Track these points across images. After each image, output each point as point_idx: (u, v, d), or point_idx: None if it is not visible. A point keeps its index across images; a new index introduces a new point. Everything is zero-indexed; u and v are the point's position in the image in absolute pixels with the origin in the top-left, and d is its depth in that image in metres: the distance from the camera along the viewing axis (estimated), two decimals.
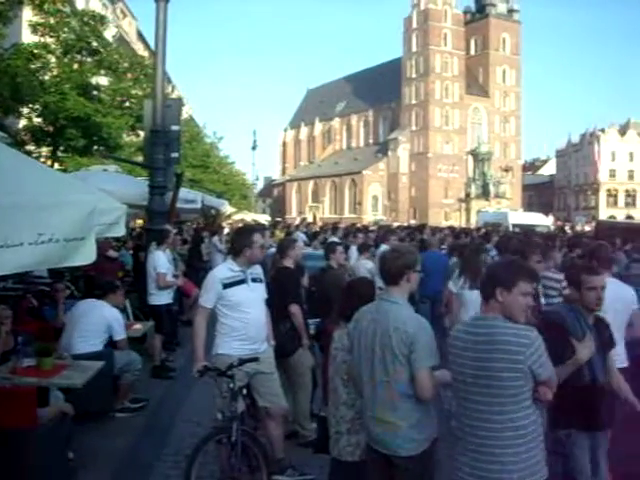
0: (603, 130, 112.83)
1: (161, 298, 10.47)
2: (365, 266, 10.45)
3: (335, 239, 14.89)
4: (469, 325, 3.81)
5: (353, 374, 4.59)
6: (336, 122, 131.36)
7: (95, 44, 22.73)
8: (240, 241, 6.18)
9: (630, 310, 6.33)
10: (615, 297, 5.99)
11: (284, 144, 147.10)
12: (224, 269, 6.16)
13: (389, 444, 4.21)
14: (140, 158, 21.50)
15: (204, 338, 5.98)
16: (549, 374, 3.63)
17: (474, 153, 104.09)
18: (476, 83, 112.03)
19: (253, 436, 5.68)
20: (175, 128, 12.58)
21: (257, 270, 6.27)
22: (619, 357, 6.08)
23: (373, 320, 4.30)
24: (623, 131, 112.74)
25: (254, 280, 6.16)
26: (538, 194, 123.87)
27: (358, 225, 29.51)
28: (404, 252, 4.51)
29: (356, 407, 4.72)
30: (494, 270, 3.91)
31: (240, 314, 6.00)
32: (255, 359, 5.77)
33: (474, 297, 6.58)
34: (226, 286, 5.96)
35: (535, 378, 3.56)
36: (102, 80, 25.40)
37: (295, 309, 7.36)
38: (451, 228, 25.84)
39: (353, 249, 13.27)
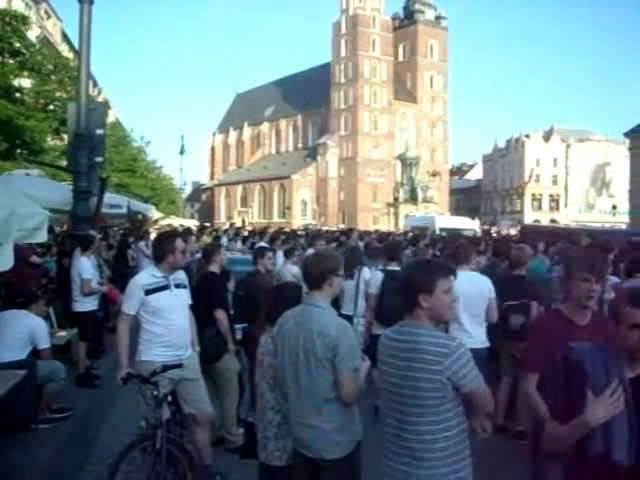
0: (528, 136, 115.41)
1: (85, 305, 10.28)
2: (290, 271, 10.44)
3: (263, 244, 14.85)
4: (395, 332, 3.73)
5: (278, 378, 4.59)
6: (265, 127, 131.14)
7: (17, 45, 22.18)
8: (162, 247, 6.12)
9: (487, 299, 7.28)
10: (472, 287, 7.04)
11: (212, 148, 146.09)
12: (146, 275, 6.09)
13: (315, 448, 4.22)
14: (64, 162, 21.16)
15: (128, 345, 5.91)
16: (473, 387, 3.49)
17: (402, 158, 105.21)
18: (404, 88, 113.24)
19: (178, 443, 5.63)
20: (100, 132, 12.39)
21: (181, 276, 6.21)
22: (478, 338, 7.22)
23: (297, 324, 4.30)
24: (547, 137, 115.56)
25: (177, 286, 6.10)
26: (465, 198, 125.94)
27: (286, 230, 29.50)
28: (327, 256, 4.53)
29: (283, 412, 4.70)
30: (411, 277, 3.75)
31: (163, 320, 5.94)
32: (179, 365, 5.72)
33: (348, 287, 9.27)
34: (148, 292, 5.89)
35: (457, 390, 3.47)
36: (25, 82, 24.83)
37: (221, 314, 7.32)
38: (378, 232, 26.08)
39: (279, 254, 13.26)
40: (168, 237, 6.48)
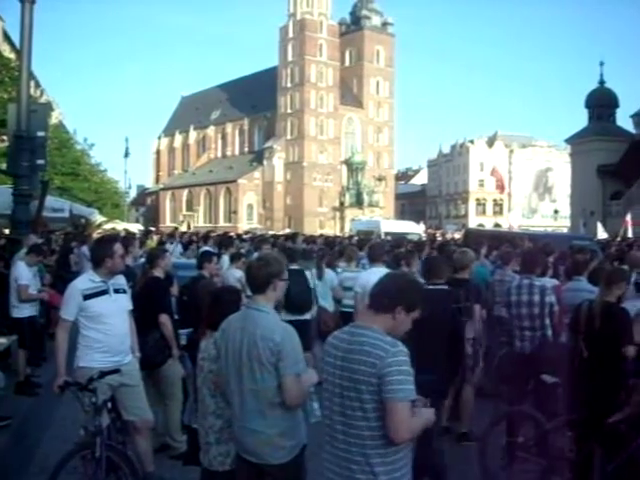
0: (472, 141, 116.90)
1: (23, 311, 10.07)
2: (234, 275, 10.39)
3: (208, 248, 14.76)
4: (345, 332, 3.71)
5: (221, 383, 4.55)
6: (211, 130, 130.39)
7: None
8: (100, 251, 6.03)
9: None
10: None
11: (158, 152, 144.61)
12: (85, 280, 5.99)
13: (259, 453, 4.20)
14: (4, 165, 20.74)
15: (66, 352, 5.81)
16: (396, 399, 3.34)
17: (348, 162, 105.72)
18: (350, 94, 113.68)
19: (119, 450, 5.55)
20: (41, 134, 12.20)
21: (120, 280, 6.14)
22: None
23: (240, 328, 4.28)
24: (491, 142, 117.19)
25: (117, 291, 6.02)
26: (411, 203, 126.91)
27: (232, 234, 29.36)
28: (270, 260, 4.51)
29: (224, 416, 4.68)
30: (405, 289, 3.70)
31: (102, 326, 5.85)
32: (116, 371, 5.65)
33: None
34: (87, 297, 5.80)
35: (383, 394, 3.37)
36: None
37: (165, 319, 7.27)
38: (324, 236, 26.13)
39: (225, 258, 13.19)
40: (106, 241, 6.42)
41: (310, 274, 10.42)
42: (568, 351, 6.59)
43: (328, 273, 11.25)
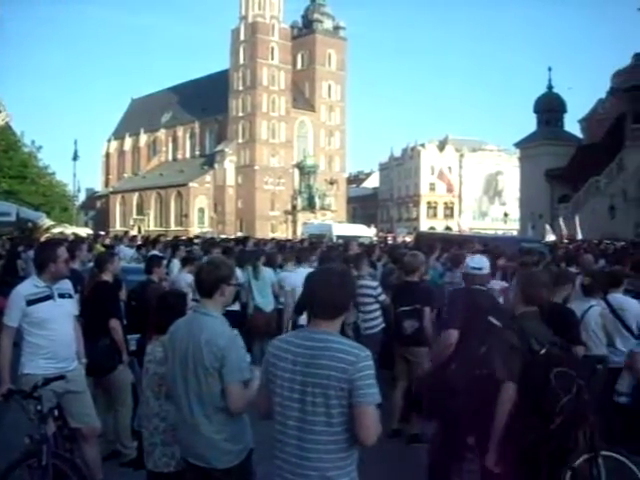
0: (423, 145, 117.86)
1: None
2: (185, 279, 10.33)
3: (156, 252, 14.62)
4: (300, 337, 3.70)
5: (168, 386, 4.52)
6: (162, 133, 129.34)
7: None
8: (44, 256, 5.92)
9: None
10: None
11: (107, 155, 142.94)
12: (28, 285, 5.88)
13: (205, 457, 4.18)
14: None
15: (10, 359, 5.69)
16: (366, 403, 3.43)
17: (300, 166, 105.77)
18: (302, 97, 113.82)
19: (66, 458, 5.47)
20: None
21: (65, 285, 6.03)
22: None
23: (187, 332, 4.26)
24: (442, 146, 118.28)
25: (62, 296, 5.92)
26: (362, 206, 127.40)
27: (182, 238, 29.17)
28: (219, 265, 4.48)
29: (169, 419, 4.65)
30: (353, 293, 3.96)
31: (46, 331, 5.75)
32: (61, 377, 5.56)
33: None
34: (30, 303, 5.69)
35: (353, 398, 3.42)
36: None
37: (115, 324, 7.19)
38: (275, 240, 26.13)
39: (175, 262, 13.10)
40: (50, 245, 6.31)
41: (245, 272, 11.23)
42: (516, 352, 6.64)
43: (266, 272, 11.65)
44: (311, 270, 7.72)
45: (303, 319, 7.91)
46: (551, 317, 6.16)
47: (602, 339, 7.10)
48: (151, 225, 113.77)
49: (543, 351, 4.97)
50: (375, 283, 9.09)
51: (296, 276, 9.79)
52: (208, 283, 4.33)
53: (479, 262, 6.71)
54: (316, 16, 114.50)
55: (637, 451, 6.81)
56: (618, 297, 7.75)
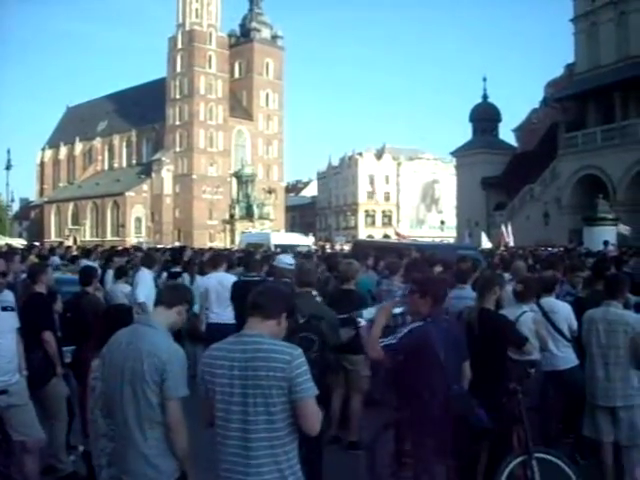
0: (361, 154, 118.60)
1: None
2: (122, 290, 10.19)
3: (90, 263, 14.39)
4: (234, 342, 3.81)
5: (106, 401, 4.44)
6: (98, 142, 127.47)
7: None
8: None
9: None
10: None
11: (42, 164, 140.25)
12: None
13: (140, 474, 4.10)
14: None
15: None
16: (307, 397, 3.67)
17: (238, 175, 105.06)
18: (240, 106, 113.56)
19: (4, 474, 5.35)
20: None
21: (7, 298, 5.93)
22: None
23: (127, 343, 4.18)
24: (379, 155, 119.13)
25: (4, 309, 5.80)
26: (301, 215, 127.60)
27: (119, 248, 28.77)
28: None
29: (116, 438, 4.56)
30: (287, 297, 4.11)
31: None
32: (4, 392, 5.44)
33: None
34: None
35: (294, 395, 3.62)
36: None
37: (48, 336, 7.05)
38: (213, 249, 25.98)
39: (110, 273, 12.92)
40: None
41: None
42: None
43: (199, 280, 12.00)
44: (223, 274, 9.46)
45: None
46: (482, 322, 6.28)
47: (535, 344, 7.22)
48: (87, 235, 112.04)
49: (302, 321, 5.91)
50: (314, 293, 9.13)
51: (208, 280, 10.96)
52: (171, 295, 4.44)
53: (289, 259, 8.46)
54: (254, 25, 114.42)
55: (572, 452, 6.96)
56: (550, 301, 7.94)
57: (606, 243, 26.37)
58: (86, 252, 19.98)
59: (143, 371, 4.03)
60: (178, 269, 14.46)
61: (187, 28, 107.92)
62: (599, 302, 6.80)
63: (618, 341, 6.37)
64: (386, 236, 79.56)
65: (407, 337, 5.40)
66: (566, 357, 7.72)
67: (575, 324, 7.41)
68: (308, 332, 5.84)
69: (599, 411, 6.54)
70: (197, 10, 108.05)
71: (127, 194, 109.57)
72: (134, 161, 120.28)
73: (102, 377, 4.39)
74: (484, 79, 65.47)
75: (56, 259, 18.40)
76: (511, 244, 35.40)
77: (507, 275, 10.03)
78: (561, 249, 28.15)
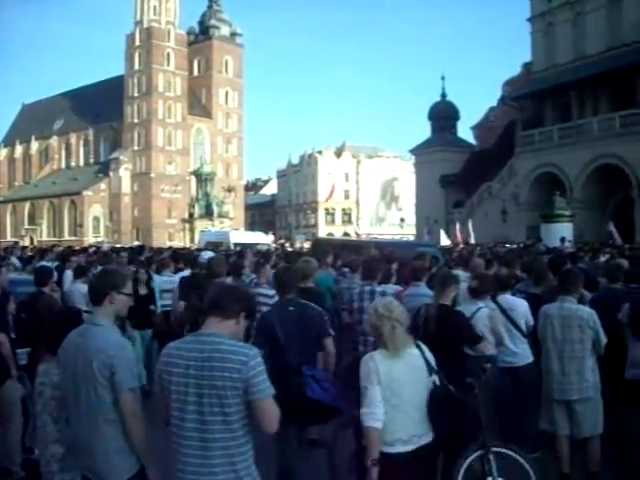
0: (320, 152, 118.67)
1: None
2: (80, 290, 10.07)
3: (45, 263, 14.21)
4: (191, 341, 3.81)
5: (61, 403, 4.40)
6: (54, 140, 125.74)
7: None
8: None
9: None
10: None
11: None
12: None
13: (98, 471, 4.09)
14: None
15: None
16: (264, 397, 3.68)
17: (197, 173, 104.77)
18: (199, 104, 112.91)
19: None
20: None
21: None
22: None
23: (77, 343, 4.18)
24: (339, 153, 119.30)
25: None
26: (261, 213, 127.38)
27: (76, 247, 28.50)
28: (111, 272, 4.43)
29: (68, 443, 4.49)
30: (246, 296, 4.10)
31: None
32: None
33: None
34: None
35: (251, 395, 3.62)
36: None
37: (2, 338, 6.94)
38: (172, 248, 25.87)
39: (68, 273, 12.78)
40: None
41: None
42: None
43: (156, 278, 12.37)
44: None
45: None
46: (440, 319, 6.33)
47: (491, 340, 7.30)
48: (44, 235, 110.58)
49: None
50: (272, 292, 9.11)
51: (160, 278, 11.96)
52: (97, 290, 4.28)
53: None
54: (213, 22, 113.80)
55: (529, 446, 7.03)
56: (507, 298, 8.02)
57: (563, 240, 26.73)
58: (41, 252, 19.66)
59: (93, 369, 4.02)
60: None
61: (145, 25, 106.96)
62: (554, 298, 6.90)
63: (573, 335, 6.47)
64: (346, 234, 79.85)
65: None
66: (523, 353, 7.80)
67: (532, 320, 7.49)
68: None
69: (555, 405, 6.63)
70: (155, 7, 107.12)
71: (85, 193, 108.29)
72: (91, 160, 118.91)
73: (60, 379, 4.34)
74: (443, 78, 66.03)
75: (15, 260, 18.14)
76: (472, 241, 35.77)
77: (460, 273, 10.08)
78: (520, 245, 28.50)
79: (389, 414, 4.52)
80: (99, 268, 11.57)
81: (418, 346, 4.82)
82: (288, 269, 8.50)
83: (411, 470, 4.58)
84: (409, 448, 4.57)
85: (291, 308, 6.42)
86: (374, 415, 4.45)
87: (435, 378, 4.77)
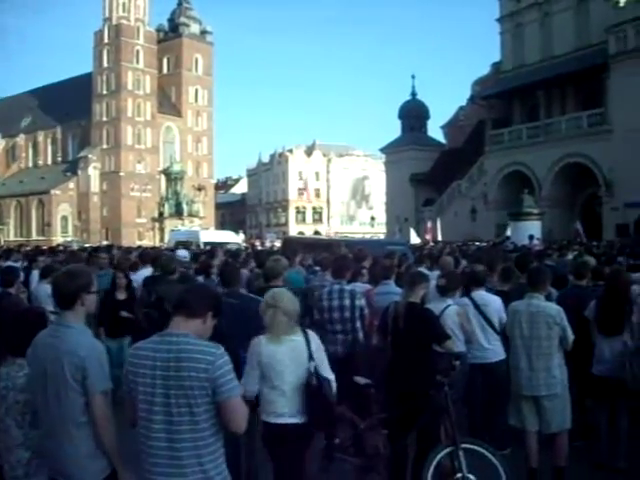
0: (291, 150, 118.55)
1: None
2: (47, 291, 9.98)
3: (12, 263, 14.04)
4: (157, 342, 3.77)
5: (30, 406, 4.35)
6: (21, 139, 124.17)
7: None
8: None
9: None
10: None
11: None
12: None
13: (69, 475, 4.04)
14: None
15: None
16: (232, 396, 3.68)
17: (167, 172, 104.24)
18: (169, 102, 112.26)
19: None
20: None
21: None
22: None
23: (47, 345, 4.11)
24: (309, 152, 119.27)
25: None
26: (231, 212, 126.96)
27: (44, 247, 28.25)
28: (78, 273, 4.35)
29: (34, 447, 4.43)
30: (213, 296, 4.08)
31: None
32: None
33: None
34: None
35: (218, 395, 3.61)
36: None
37: None
38: (142, 248, 25.70)
39: (35, 273, 12.65)
40: None
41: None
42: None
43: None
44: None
45: None
46: (409, 317, 6.38)
47: (460, 336, 7.38)
48: (11, 235, 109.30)
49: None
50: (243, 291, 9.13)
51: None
52: (67, 293, 4.18)
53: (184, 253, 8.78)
54: (182, 20, 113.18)
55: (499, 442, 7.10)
56: (482, 294, 8.09)
57: (531, 237, 26.99)
58: (7, 252, 19.39)
59: (64, 371, 3.97)
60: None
61: (114, 22, 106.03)
62: (522, 295, 6.97)
63: (540, 332, 6.53)
64: (317, 232, 79.90)
65: None
66: (495, 350, 7.88)
67: (505, 317, 7.55)
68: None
69: (523, 401, 6.70)
70: (124, 4, 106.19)
71: (53, 192, 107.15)
72: (59, 158, 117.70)
73: (27, 382, 4.30)
74: (413, 77, 65.98)
75: None
76: (439, 239, 35.97)
77: (425, 270, 10.14)
78: (489, 243, 28.71)
79: (270, 391, 4.98)
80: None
81: (305, 334, 5.12)
82: (228, 264, 9.56)
83: (283, 441, 5.01)
84: (281, 421, 4.95)
85: (232, 300, 6.60)
86: (246, 392, 4.73)
87: (311, 365, 4.99)
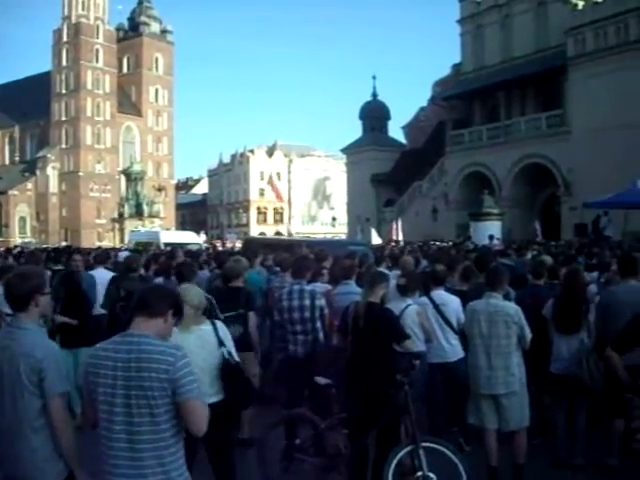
0: (252, 151, 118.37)
1: None
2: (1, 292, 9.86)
3: None
4: (118, 342, 3.73)
5: None
6: None
7: None
8: None
9: None
10: None
11: None
12: None
13: (25, 478, 3.99)
14: None
15: None
16: (192, 397, 3.62)
17: (127, 172, 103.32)
18: (129, 101, 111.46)
19: None
20: None
21: None
22: None
23: (2, 348, 4.03)
24: (271, 152, 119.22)
25: None
26: (192, 213, 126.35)
27: (1, 248, 27.91)
28: (30, 274, 4.30)
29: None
30: (173, 295, 4.05)
31: None
32: None
33: None
34: None
35: (178, 396, 3.58)
36: None
37: None
38: (101, 249, 25.51)
39: None
40: None
41: None
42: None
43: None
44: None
45: None
46: (368, 317, 6.41)
47: (420, 336, 7.42)
48: None
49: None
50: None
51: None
52: (20, 295, 4.12)
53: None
54: (143, 19, 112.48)
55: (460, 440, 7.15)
56: (441, 294, 8.17)
57: (491, 237, 27.21)
58: None
59: (20, 374, 3.92)
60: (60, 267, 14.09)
61: (73, 21, 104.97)
62: (480, 294, 7.03)
63: (499, 331, 6.59)
64: (278, 233, 79.81)
65: None
66: (455, 349, 7.96)
67: (463, 317, 7.60)
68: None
69: (483, 399, 6.75)
70: (84, 2, 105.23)
71: (10, 193, 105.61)
72: (17, 158, 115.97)
73: None
74: (374, 77, 65.95)
75: None
76: (400, 238, 36.14)
77: (385, 270, 10.18)
78: (450, 243, 28.89)
79: None
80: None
81: (213, 324, 5.75)
82: (184, 263, 10.13)
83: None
84: None
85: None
86: None
87: (224, 350, 5.55)
